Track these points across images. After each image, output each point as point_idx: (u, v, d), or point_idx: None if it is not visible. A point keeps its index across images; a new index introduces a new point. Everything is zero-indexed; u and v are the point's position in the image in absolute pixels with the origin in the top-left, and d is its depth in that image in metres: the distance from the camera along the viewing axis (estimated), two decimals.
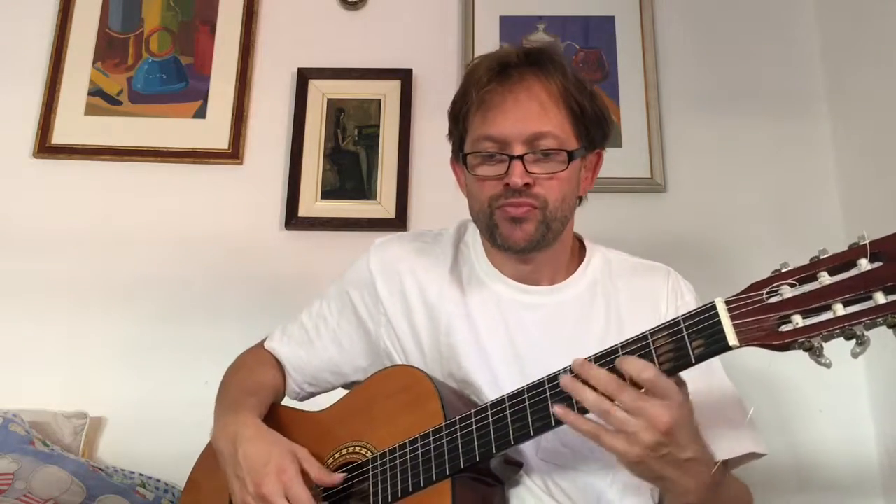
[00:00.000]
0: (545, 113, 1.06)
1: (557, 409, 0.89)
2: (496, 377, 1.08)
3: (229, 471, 1.06)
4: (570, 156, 1.06)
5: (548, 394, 0.92)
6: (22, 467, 1.50)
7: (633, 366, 0.84)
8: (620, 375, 0.86)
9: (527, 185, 1.04)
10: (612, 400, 0.84)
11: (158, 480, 1.70)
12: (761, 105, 2.07)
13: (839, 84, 2.03)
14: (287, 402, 1.29)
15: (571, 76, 1.09)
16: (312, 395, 1.30)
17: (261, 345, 1.32)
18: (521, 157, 1.04)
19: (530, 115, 1.05)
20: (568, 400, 0.90)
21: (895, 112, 1.76)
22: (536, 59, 1.09)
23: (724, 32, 2.14)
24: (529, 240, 1.07)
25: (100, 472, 1.63)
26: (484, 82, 1.06)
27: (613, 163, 2.00)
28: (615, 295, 1.15)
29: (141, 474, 1.70)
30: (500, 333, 1.12)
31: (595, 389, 0.86)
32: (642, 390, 0.84)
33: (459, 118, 1.12)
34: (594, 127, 1.11)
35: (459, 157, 1.13)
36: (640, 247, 1.26)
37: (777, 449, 1.79)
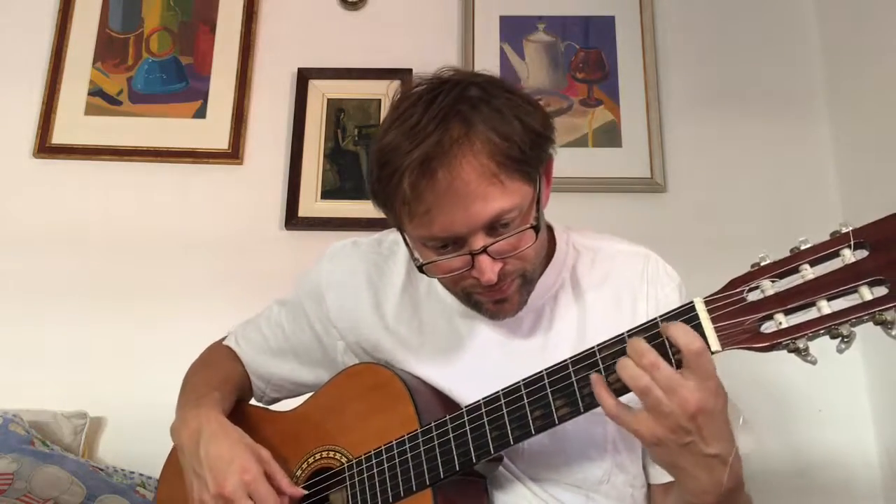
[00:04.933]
0: (489, 196, 0.90)
1: (594, 377, 0.83)
2: (458, 396, 1.02)
3: (188, 468, 1.02)
4: (537, 228, 0.94)
5: (525, 400, 0.89)
6: (22, 467, 1.50)
7: (684, 336, 0.78)
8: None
9: (500, 269, 0.93)
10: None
11: (158, 480, 1.70)
12: (761, 105, 2.07)
13: (839, 84, 2.03)
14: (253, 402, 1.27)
15: (495, 126, 0.91)
16: (277, 400, 1.26)
17: (220, 343, 1.29)
18: (484, 250, 0.91)
19: (476, 205, 0.89)
20: (545, 407, 0.87)
21: (895, 112, 1.76)
22: (455, 129, 0.90)
23: (724, 32, 2.14)
24: (518, 307, 0.99)
25: (100, 472, 1.63)
26: (409, 196, 0.90)
27: (613, 163, 2.02)
28: (589, 294, 1.06)
29: (141, 474, 1.70)
30: (462, 353, 1.06)
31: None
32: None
33: (390, 214, 0.97)
34: (539, 154, 0.96)
35: (402, 234, 1.00)
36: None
37: (776, 449, 1.80)
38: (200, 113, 2.11)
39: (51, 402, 1.78)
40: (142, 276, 1.97)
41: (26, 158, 2.07)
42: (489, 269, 0.92)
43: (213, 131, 2.09)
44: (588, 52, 2.14)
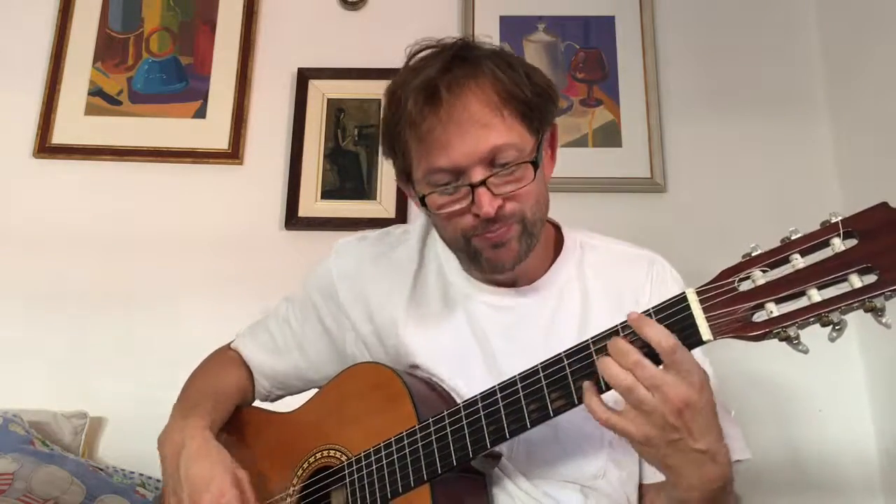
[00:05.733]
0: (491, 126, 0.94)
1: (586, 385, 0.83)
2: (469, 386, 1.02)
3: (169, 486, 1.03)
4: (535, 164, 0.97)
5: (521, 393, 0.90)
6: (22, 467, 1.50)
7: (655, 334, 0.79)
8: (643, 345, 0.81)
9: (499, 207, 0.95)
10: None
11: (158, 480, 1.70)
12: (761, 105, 2.07)
13: (839, 84, 2.03)
14: (257, 402, 1.27)
15: (502, 70, 0.97)
16: (281, 397, 1.27)
17: (228, 346, 1.30)
18: (483, 183, 0.94)
19: (477, 134, 0.94)
20: (540, 400, 0.88)
21: (895, 112, 1.76)
22: (460, 68, 0.96)
23: (724, 32, 2.14)
24: (516, 257, 1.00)
25: (100, 472, 1.63)
26: (415, 116, 0.95)
27: (613, 163, 2.02)
28: (593, 290, 1.08)
29: (141, 474, 1.70)
30: (468, 340, 1.07)
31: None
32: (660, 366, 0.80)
33: (397, 149, 1.02)
34: (542, 108, 1.00)
35: (410, 185, 1.05)
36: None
37: (777, 448, 1.80)
38: (200, 113, 2.11)
39: (51, 402, 1.78)
40: (142, 277, 1.97)
41: (26, 158, 2.07)
42: (487, 203, 0.94)
43: (213, 131, 2.09)
44: (588, 52, 2.14)
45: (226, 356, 1.27)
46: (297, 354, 1.22)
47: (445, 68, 0.96)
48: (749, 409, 1.76)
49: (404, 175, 1.05)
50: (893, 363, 1.73)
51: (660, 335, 0.79)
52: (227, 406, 1.16)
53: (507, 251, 1.00)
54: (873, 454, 1.79)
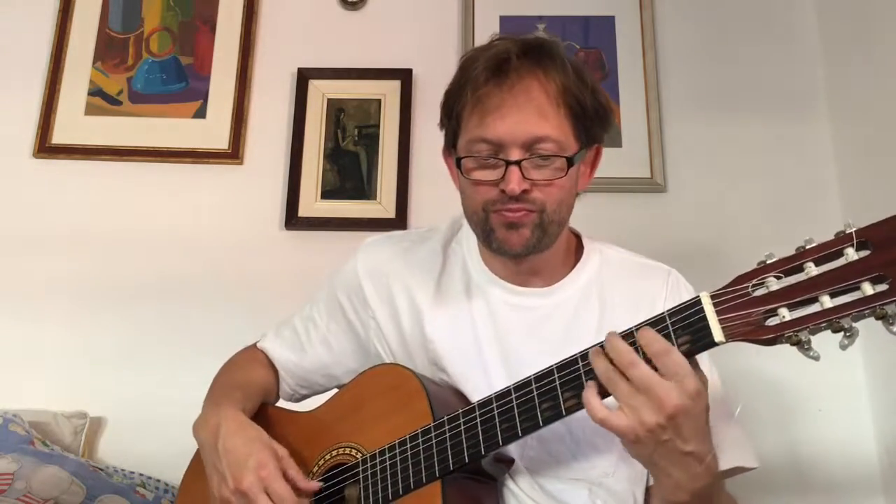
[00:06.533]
0: (544, 115, 1.00)
1: (588, 382, 0.85)
2: (487, 382, 1.05)
3: (209, 464, 1.06)
4: (570, 162, 1.02)
5: (535, 393, 0.91)
6: (22, 467, 1.50)
7: (645, 338, 0.82)
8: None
9: (524, 191, 1.00)
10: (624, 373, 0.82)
11: (158, 480, 1.71)
12: (761, 105, 2.07)
13: (839, 84, 2.03)
14: (280, 402, 1.29)
15: (572, 72, 1.03)
16: (306, 396, 1.29)
17: (254, 345, 1.32)
18: (518, 163, 1.00)
19: (528, 118, 1.00)
20: (553, 399, 0.90)
21: (895, 112, 1.76)
22: (535, 55, 1.02)
23: (724, 32, 2.14)
24: (526, 244, 1.04)
25: (100, 472, 1.63)
26: (480, 82, 1.01)
27: (613, 163, 2.01)
28: (610, 296, 1.11)
29: (141, 474, 1.70)
30: (488, 337, 1.09)
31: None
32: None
33: (453, 113, 1.07)
34: (594, 123, 1.06)
35: (453, 155, 1.09)
36: (640, 247, 1.25)
37: (776, 448, 1.80)
38: (200, 113, 2.11)
39: (51, 402, 1.78)
40: (142, 277, 1.97)
41: (26, 158, 2.06)
42: (516, 181, 1.00)
43: (213, 131, 2.09)
44: (588, 52, 2.14)
45: (251, 355, 1.29)
46: (322, 350, 1.24)
47: (522, 50, 1.02)
48: (749, 409, 1.76)
49: (451, 143, 1.09)
50: (893, 363, 1.74)
51: (650, 338, 0.82)
52: (254, 400, 1.18)
53: (518, 235, 1.03)
54: (873, 454, 1.79)
